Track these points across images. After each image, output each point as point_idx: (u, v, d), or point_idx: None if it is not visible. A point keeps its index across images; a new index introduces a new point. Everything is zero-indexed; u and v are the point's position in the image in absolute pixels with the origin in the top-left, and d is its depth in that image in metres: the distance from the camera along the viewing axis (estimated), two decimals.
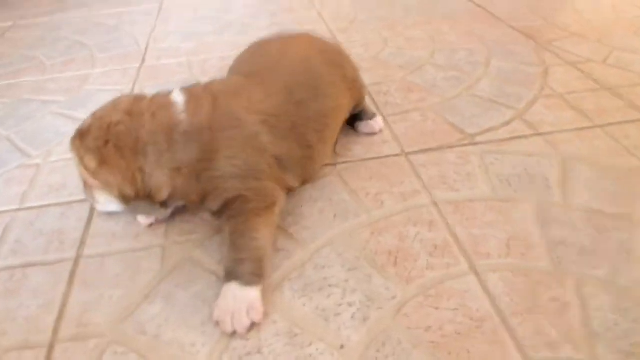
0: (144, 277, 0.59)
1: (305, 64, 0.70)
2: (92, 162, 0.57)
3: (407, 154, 0.78)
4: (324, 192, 0.71)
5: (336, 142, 0.80)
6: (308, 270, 0.59)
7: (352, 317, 0.53)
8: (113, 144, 0.56)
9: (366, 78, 1.00)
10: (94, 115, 0.61)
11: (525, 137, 0.81)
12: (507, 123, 0.85)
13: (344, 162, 0.77)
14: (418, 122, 0.86)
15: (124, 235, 0.65)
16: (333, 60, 0.74)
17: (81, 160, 0.58)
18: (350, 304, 0.55)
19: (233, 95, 0.63)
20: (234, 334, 0.52)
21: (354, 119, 0.83)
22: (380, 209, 0.68)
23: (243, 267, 0.55)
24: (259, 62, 0.72)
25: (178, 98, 0.61)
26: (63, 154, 0.82)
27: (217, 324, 0.53)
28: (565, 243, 0.61)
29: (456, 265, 0.59)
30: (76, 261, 0.62)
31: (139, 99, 0.61)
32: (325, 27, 1.28)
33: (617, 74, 1.00)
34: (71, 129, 0.88)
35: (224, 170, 0.59)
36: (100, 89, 1.01)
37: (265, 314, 0.54)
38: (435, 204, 0.68)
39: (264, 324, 0.53)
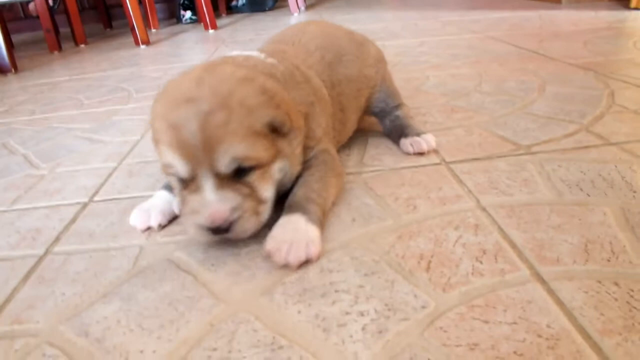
0: (108, 275, 0.48)
1: (329, 34, 0.72)
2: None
3: (448, 163, 0.65)
4: (343, 197, 0.59)
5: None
6: (310, 273, 0.45)
7: (363, 329, 0.38)
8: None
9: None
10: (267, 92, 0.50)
11: (595, 146, 0.66)
12: (571, 135, 0.71)
13: (371, 171, 0.65)
14: (462, 135, 0.74)
15: (103, 235, 0.55)
16: (356, 39, 0.75)
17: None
18: (362, 313, 0.39)
19: (282, 54, 0.62)
20: (285, 266, 0.46)
21: (399, 136, 0.71)
22: (412, 213, 0.54)
23: (312, 206, 0.50)
24: (286, 34, 0.74)
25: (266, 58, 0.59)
26: (71, 165, 0.77)
27: (269, 254, 0.46)
28: None
29: (514, 271, 0.43)
30: (41, 258, 0.52)
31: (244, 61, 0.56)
32: None
33: None
34: (89, 148, 0.84)
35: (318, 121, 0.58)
36: (128, 118, 0.99)
37: (245, 320, 0.40)
38: (483, 208, 0.53)
39: (239, 331, 0.39)
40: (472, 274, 0.43)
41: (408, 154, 0.69)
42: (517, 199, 0.54)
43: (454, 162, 0.65)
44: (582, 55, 1.18)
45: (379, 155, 0.70)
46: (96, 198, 0.65)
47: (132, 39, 2.08)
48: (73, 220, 0.59)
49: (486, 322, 0.37)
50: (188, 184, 0.47)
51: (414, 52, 1.39)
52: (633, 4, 1.81)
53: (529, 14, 1.98)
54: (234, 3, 2.97)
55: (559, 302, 0.39)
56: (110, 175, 0.72)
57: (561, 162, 0.62)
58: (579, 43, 1.32)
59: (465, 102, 0.89)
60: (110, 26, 2.83)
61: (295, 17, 2.54)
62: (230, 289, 0.44)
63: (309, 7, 2.88)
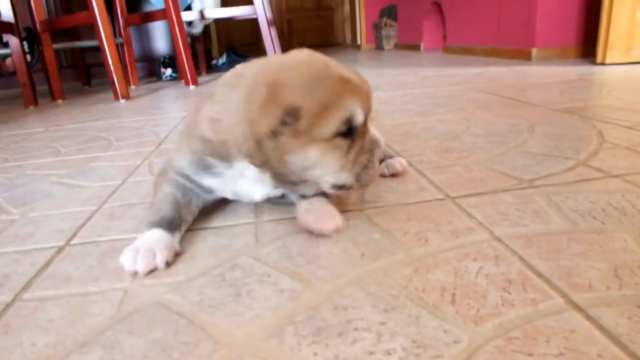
0: (87, 322, 0.41)
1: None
2: None
3: (452, 198, 0.63)
4: (347, 233, 0.55)
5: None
6: (323, 312, 0.40)
7: None
8: None
9: (395, 147, 0.90)
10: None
11: (597, 179, 0.65)
12: (571, 169, 0.70)
13: (374, 207, 0.62)
14: (461, 173, 0.72)
15: (81, 279, 0.49)
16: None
17: None
18: (388, 352, 0.34)
19: None
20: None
21: None
22: (425, 246, 0.50)
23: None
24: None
25: None
26: (45, 210, 0.70)
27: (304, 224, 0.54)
28: None
29: (546, 300, 0.39)
30: (8, 305, 0.45)
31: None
32: None
33: None
34: (66, 192, 0.78)
35: None
36: (109, 164, 0.94)
37: None
38: (498, 239, 0.50)
39: None
40: (502, 304, 0.39)
41: (383, 176, 0.72)
42: (532, 229, 0.52)
43: (459, 197, 0.63)
44: (561, 101, 1.22)
45: (379, 193, 0.67)
46: (73, 241, 0.59)
47: (111, 94, 2.07)
48: (47, 265, 0.53)
49: (530, 354, 0.33)
50: (353, 139, 0.52)
51: (397, 102, 1.42)
52: (599, 59, 1.93)
53: (503, 69, 2.08)
54: (214, 62, 3.04)
55: (604, 330, 0.35)
56: (89, 218, 0.66)
57: (568, 194, 0.61)
58: (555, 92, 1.37)
59: (459, 143, 0.89)
60: (89, 84, 2.83)
61: None
62: (233, 332, 0.38)
63: None
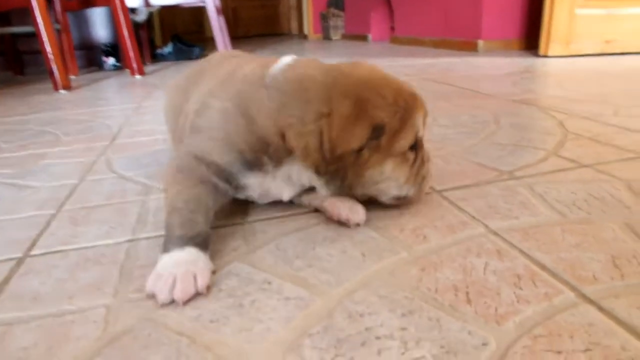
0: (69, 348, 0.36)
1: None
2: None
3: (440, 192, 0.62)
4: (340, 231, 0.53)
5: None
6: (338, 320, 0.38)
7: None
8: None
9: None
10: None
11: (570, 169, 0.68)
12: (544, 159, 0.72)
13: (363, 203, 0.60)
14: (441, 165, 0.72)
15: (51, 296, 0.43)
16: None
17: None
18: None
19: None
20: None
21: None
22: (424, 243, 0.49)
23: None
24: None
25: None
26: None
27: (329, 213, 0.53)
28: None
29: (558, 294, 0.39)
30: None
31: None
32: None
33: (632, 121, 0.92)
34: (15, 195, 0.70)
35: None
36: (60, 162, 0.85)
37: None
38: (495, 233, 0.50)
39: None
40: (518, 301, 0.39)
41: None
42: (524, 222, 0.52)
43: (446, 190, 0.63)
44: (515, 92, 1.27)
45: None
46: (34, 252, 0.52)
47: (49, 85, 1.90)
48: (6, 281, 0.46)
49: (559, 352, 0.33)
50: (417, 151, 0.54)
51: None
52: (542, 51, 2.03)
53: (453, 59, 2.14)
54: (159, 51, 2.88)
55: (620, 322, 0.35)
56: (48, 223, 0.59)
57: (548, 185, 0.62)
58: (508, 83, 1.43)
59: (428, 135, 0.89)
60: (22, 73, 2.57)
61: None
62: (245, 350, 0.35)
63: None
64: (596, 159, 0.71)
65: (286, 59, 0.55)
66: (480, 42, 2.42)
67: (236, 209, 0.60)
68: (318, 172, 0.50)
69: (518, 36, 2.44)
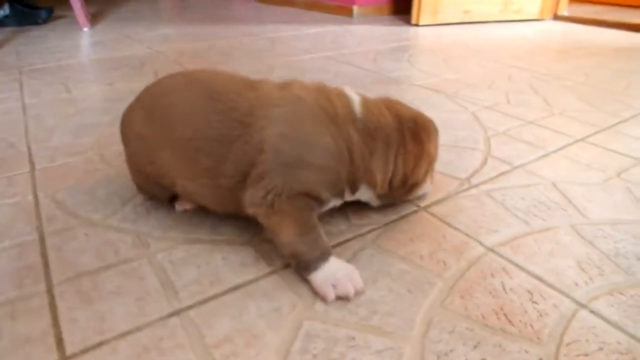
0: None
1: None
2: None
3: (424, 208, 0.73)
4: (374, 266, 0.60)
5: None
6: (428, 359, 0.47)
7: None
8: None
9: None
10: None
11: (508, 172, 0.85)
12: (484, 163, 0.88)
13: (369, 231, 0.67)
14: None
15: None
16: None
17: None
18: None
19: None
20: None
21: None
22: (448, 269, 0.60)
23: None
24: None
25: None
26: None
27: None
28: (622, 254, 0.62)
29: (561, 303, 0.54)
30: None
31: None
32: None
33: (526, 110, 1.15)
34: None
35: None
36: None
37: None
38: (492, 250, 0.63)
39: None
40: (541, 315, 0.52)
41: None
42: (506, 235, 0.67)
43: (428, 205, 0.74)
44: (415, 76, 1.43)
45: (362, 212, 0.72)
46: (69, 351, 0.48)
47: None
48: None
49: (586, 355, 0.47)
50: None
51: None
52: (414, 20, 2.24)
53: (331, 28, 2.21)
54: None
55: (608, 321, 0.51)
56: (54, 310, 0.53)
57: (502, 191, 0.78)
58: (404, 63, 1.58)
59: None
60: None
61: (87, 33, 2.18)
62: None
63: (93, 21, 2.50)
64: (520, 159, 0.89)
65: (353, 96, 0.64)
66: (355, 7, 2.53)
67: (248, 256, 0.62)
68: (379, 194, 0.66)
69: (389, 2, 2.61)
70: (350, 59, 1.61)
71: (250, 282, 0.57)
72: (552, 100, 1.24)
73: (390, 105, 0.66)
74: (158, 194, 0.70)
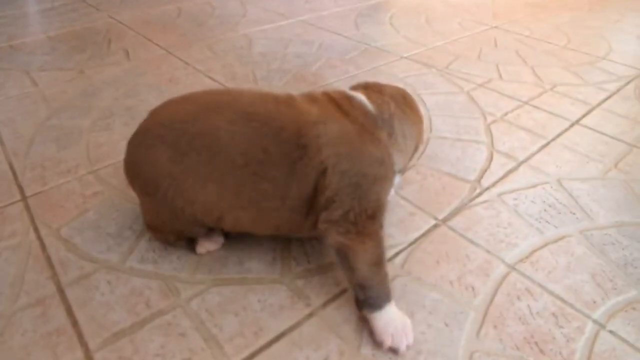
0: None
1: None
2: None
3: (444, 221, 0.75)
4: (408, 296, 0.62)
5: None
6: None
7: None
8: None
9: None
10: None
11: (515, 169, 0.86)
12: (490, 159, 0.89)
13: (396, 254, 0.69)
14: (419, 180, 0.83)
15: None
16: None
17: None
18: None
19: None
20: None
21: None
22: (477, 295, 0.63)
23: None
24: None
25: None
26: None
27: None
28: (630, 263, 0.67)
29: (584, 326, 0.59)
30: None
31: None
32: None
33: (520, 87, 1.15)
34: None
35: None
36: None
37: None
38: (513, 268, 0.66)
39: None
40: (568, 341, 0.57)
41: None
42: (524, 249, 0.70)
43: (446, 218, 0.75)
44: (399, 42, 1.38)
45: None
46: None
47: None
48: None
49: None
50: None
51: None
52: None
53: None
54: None
55: (624, 340, 0.57)
56: None
57: (512, 195, 0.80)
58: (387, 26, 1.51)
59: None
60: None
61: None
62: None
63: None
64: (524, 151, 0.91)
65: (358, 95, 0.66)
66: None
67: (298, 294, 0.63)
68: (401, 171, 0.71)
69: None
70: (330, 24, 1.53)
71: (292, 328, 0.58)
72: (541, 72, 1.24)
73: (380, 88, 0.70)
74: (194, 234, 0.66)
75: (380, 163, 0.61)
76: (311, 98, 0.64)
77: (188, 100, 0.62)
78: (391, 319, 0.56)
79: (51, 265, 0.67)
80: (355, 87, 0.71)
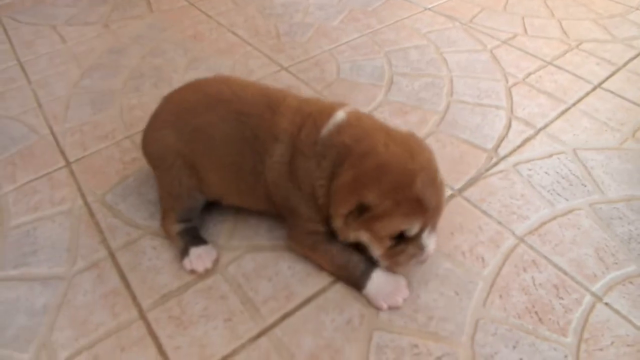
0: None
1: None
2: None
3: (459, 192, 0.79)
4: (424, 266, 0.68)
5: None
6: None
7: None
8: None
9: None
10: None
11: (532, 137, 0.89)
12: (509, 126, 0.91)
13: None
14: (439, 149, 0.86)
15: None
16: None
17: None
18: None
19: None
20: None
21: None
22: (486, 266, 0.69)
23: None
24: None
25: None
26: None
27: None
28: (635, 238, 0.71)
29: (582, 297, 0.65)
30: None
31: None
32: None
33: (544, 45, 1.13)
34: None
35: None
36: (41, 216, 0.75)
37: None
38: (523, 240, 0.72)
39: None
40: (566, 312, 0.63)
41: None
42: (534, 221, 0.74)
43: (461, 189, 0.79)
44: None
45: None
46: None
47: None
48: None
49: (601, 349, 0.59)
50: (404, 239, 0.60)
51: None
52: None
53: None
54: None
55: (618, 313, 0.63)
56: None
57: (527, 165, 0.83)
58: None
59: (402, 95, 0.98)
60: None
61: None
62: None
63: None
64: (543, 118, 0.92)
65: (336, 120, 0.62)
66: None
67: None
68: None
69: None
70: None
71: (318, 293, 0.66)
72: (568, 25, 1.20)
73: (393, 136, 0.61)
74: (196, 203, 0.72)
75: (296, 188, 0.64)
76: (298, 109, 0.64)
77: (198, 89, 0.69)
78: (379, 289, 0.64)
79: (100, 231, 0.74)
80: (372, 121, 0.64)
